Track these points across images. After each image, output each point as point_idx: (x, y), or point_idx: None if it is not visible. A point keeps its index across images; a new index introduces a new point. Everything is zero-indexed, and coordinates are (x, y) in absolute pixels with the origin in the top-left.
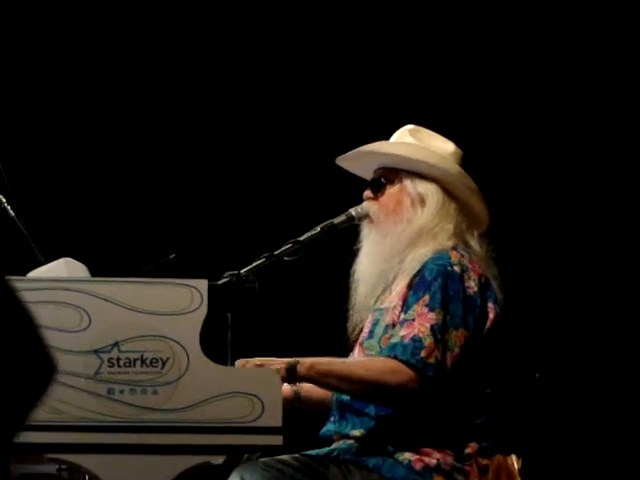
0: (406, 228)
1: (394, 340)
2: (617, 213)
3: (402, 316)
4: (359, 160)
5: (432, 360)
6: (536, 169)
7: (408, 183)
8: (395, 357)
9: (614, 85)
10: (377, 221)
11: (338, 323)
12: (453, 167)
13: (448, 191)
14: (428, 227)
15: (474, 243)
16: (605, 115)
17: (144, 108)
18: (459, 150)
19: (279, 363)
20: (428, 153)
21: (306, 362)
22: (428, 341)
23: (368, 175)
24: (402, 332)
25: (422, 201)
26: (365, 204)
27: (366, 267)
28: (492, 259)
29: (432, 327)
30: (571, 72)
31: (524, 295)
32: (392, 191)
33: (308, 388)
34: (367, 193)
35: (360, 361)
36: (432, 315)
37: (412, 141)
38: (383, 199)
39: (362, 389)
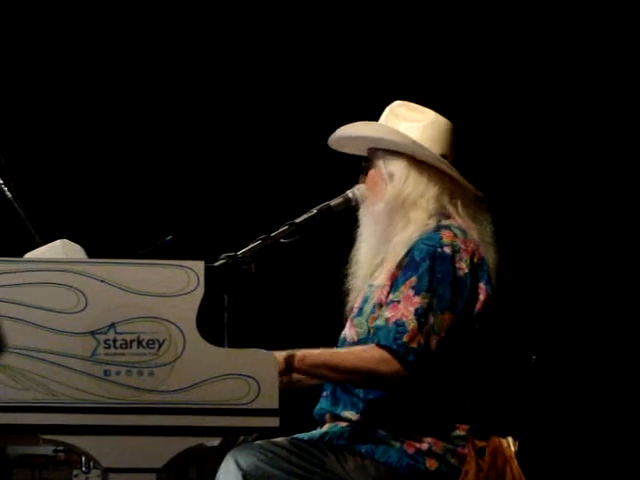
0: (382, 207)
1: (379, 322)
2: (612, 190)
3: (390, 296)
4: (350, 143)
5: (414, 345)
6: (532, 148)
7: (380, 163)
8: (378, 342)
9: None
10: (364, 203)
11: (334, 305)
12: (405, 139)
13: (421, 163)
14: (398, 203)
15: (457, 214)
16: (597, 90)
17: (140, 89)
18: (440, 118)
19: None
20: (386, 129)
21: (298, 354)
22: (411, 325)
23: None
24: (387, 314)
25: (391, 178)
26: (361, 186)
27: (363, 251)
28: (486, 221)
29: (416, 311)
30: (565, 50)
31: (522, 278)
32: (372, 172)
33: (300, 377)
34: (361, 176)
35: (350, 351)
36: (417, 299)
37: (392, 118)
38: (367, 181)
39: (353, 378)
